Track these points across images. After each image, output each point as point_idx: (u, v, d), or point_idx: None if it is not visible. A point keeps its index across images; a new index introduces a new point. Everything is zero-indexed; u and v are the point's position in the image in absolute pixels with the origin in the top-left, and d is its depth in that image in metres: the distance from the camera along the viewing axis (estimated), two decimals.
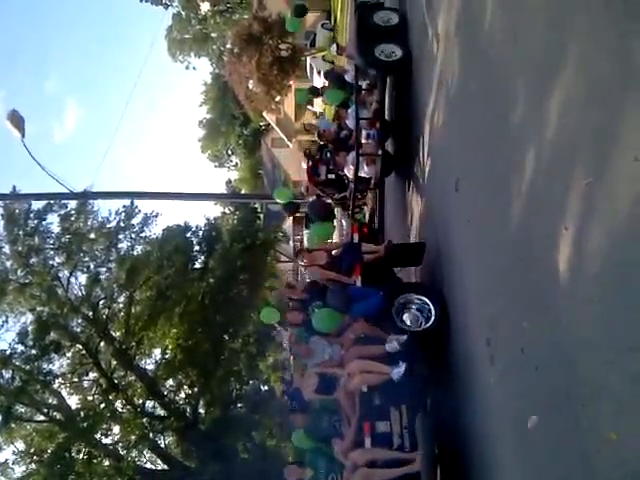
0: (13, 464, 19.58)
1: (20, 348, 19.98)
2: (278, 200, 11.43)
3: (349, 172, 9.69)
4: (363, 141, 9.48)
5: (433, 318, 6.64)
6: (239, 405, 21.79)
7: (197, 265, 22.76)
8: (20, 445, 19.72)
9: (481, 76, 5.58)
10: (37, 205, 21.24)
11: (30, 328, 20.36)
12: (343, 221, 10.14)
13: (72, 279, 21.47)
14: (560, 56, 3.81)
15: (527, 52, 4.41)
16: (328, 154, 10.50)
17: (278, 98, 27.89)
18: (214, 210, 49.04)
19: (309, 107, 36.95)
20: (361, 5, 10.62)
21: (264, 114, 33.81)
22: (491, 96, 5.24)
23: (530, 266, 4.15)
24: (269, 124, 40.51)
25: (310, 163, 10.83)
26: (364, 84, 10.11)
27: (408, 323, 6.77)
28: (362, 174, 9.65)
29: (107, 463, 19.45)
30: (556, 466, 3.70)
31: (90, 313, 20.88)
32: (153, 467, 20.85)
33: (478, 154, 5.65)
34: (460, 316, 6.20)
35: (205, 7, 46.00)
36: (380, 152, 9.48)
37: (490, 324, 5.02)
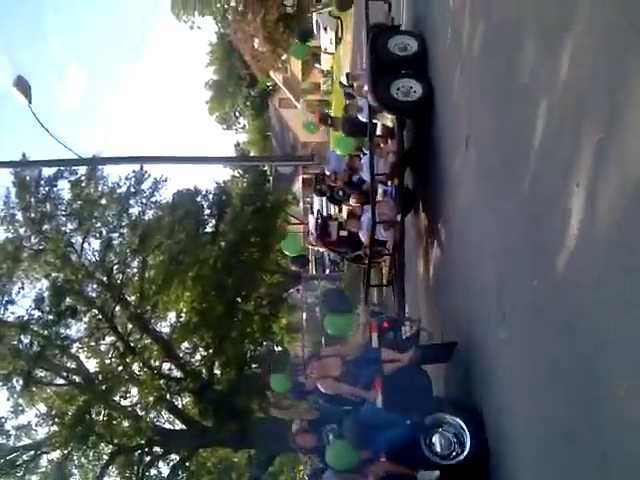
0: (36, 426, 20.19)
1: (37, 314, 20.33)
2: (289, 252, 10.49)
3: (363, 237, 8.72)
4: (379, 198, 8.43)
5: (469, 444, 5.44)
6: (254, 366, 22.12)
7: (208, 229, 22.87)
8: (41, 408, 20.29)
9: (490, 31, 5.44)
10: (47, 172, 21.32)
11: (46, 294, 20.67)
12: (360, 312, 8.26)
13: (85, 245, 21.67)
14: (570, 8, 3.69)
15: (537, 4, 4.28)
16: (340, 193, 9.53)
17: (284, 57, 27.52)
18: (223, 174, 49.06)
19: (316, 65, 36.47)
20: (374, 28, 9.16)
21: (271, 74, 33.42)
22: (501, 51, 5.11)
23: (541, 224, 4.10)
24: (276, 84, 40.03)
25: (319, 220, 9.79)
26: (379, 126, 8.92)
27: (438, 449, 5.56)
28: (378, 237, 8.56)
29: (126, 424, 19.94)
30: (563, 417, 3.73)
31: (104, 278, 21.13)
32: (171, 427, 21.37)
33: (488, 111, 5.54)
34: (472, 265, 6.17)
35: None
36: (399, 217, 8.27)
37: (499, 282, 4.99)
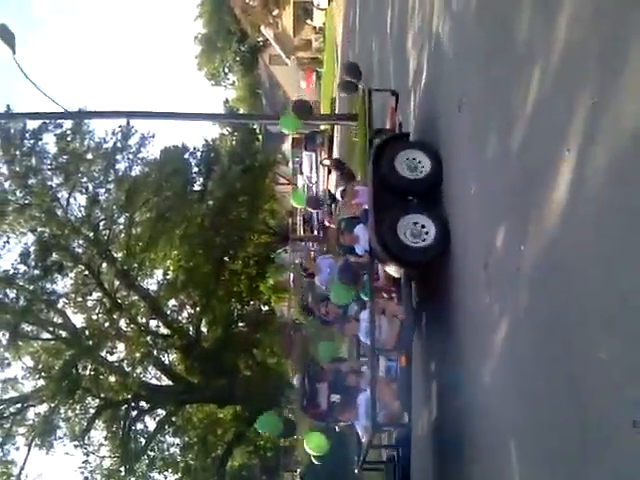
0: (22, 379, 20.33)
1: (23, 268, 20.25)
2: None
3: (362, 434, 6.83)
4: (381, 374, 6.67)
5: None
6: (240, 324, 22.35)
7: (196, 187, 22.73)
8: (28, 361, 20.41)
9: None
10: (32, 125, 20.93)
11: (32, 249, 20.55)
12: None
13: (71, 200, 21.51)
14: None
15: None
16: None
17: (276, 11, 26.90)
18: (212, 131, 48.41)
19: (308, 21, 35.71)
20: (379, 133, 7.79)
21: (261, 29, 32.69)
22: (496, 14, 5.01)
23: (530, 188, 4.09)
24: (267, 39, 39.21)
25: (307, 390, 7.02)
26: (380, 271, 7.21)
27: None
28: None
29: (113, 379, 20.16)
30: (548, 390, 3.79)
31: (91, 234, 21.03)
32: (158, 383, 21.63)
33: (481, 74, 5.46)
34: (460, 241, 6.20)
35: None
36: (405, 418, 6.41)
37: (487, 248, 5.01)
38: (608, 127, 3.11)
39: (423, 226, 6.33)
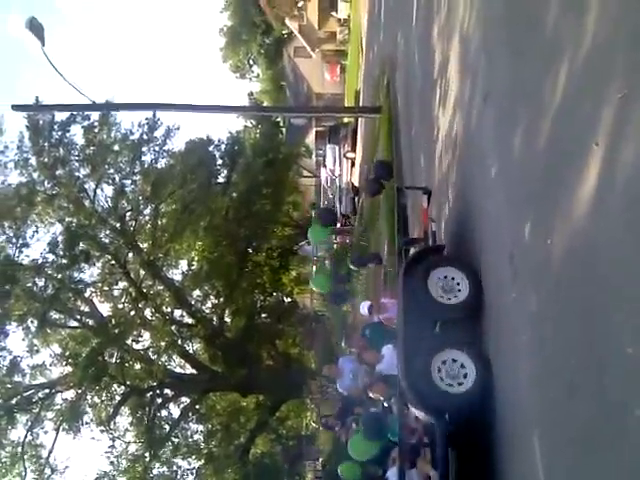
0: (50, 366, 20.79)
1: (51, 257, 20.62)
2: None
3: None
4: None
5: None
6: (263, 315, 22.50)
7: (220, 179, 22.90)
8: (56, 348, 20.87)
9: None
10: (60, 117, 21.25)
11: (60, 238, 20.91)
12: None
13: (98, 191, 21.83)
14: None
15: None
16: None
17: (301, 3, 26.87)
18: (236, 123, 48.55)
19: (333, 14, 35.58)
20: (408, 244, 7.25)
21: (286, 21, 32.67)
22: (525, 6, 4.96)
23: (558, 183, 4.07)
24: (291, 32, 39.16)
25: None
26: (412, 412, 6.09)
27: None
28: None
29: (138, 367, 20.50)
30: (570, 374, 3.82)
31: (117, 225, 21.34)
32: (182, 371, 21.95)
33: (509, 66, 5.43)
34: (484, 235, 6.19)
35: None
36: None
37: (513, 239, 5.01)
38: (637, 120, 3.09)
39: (462, 365, 5.27)
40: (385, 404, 7.47)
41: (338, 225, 26.60)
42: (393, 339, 6.25)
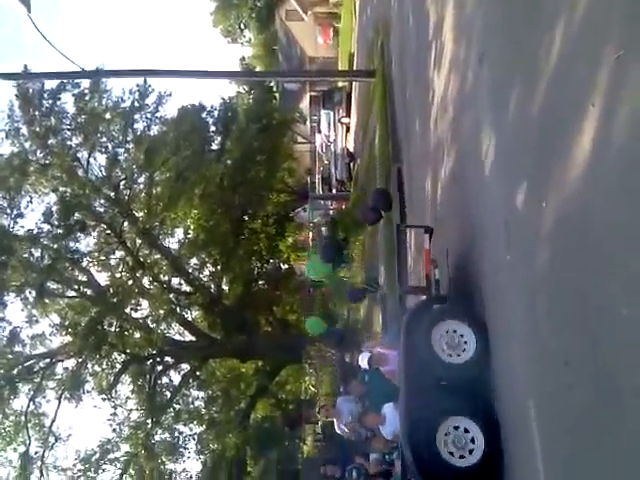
0: (50, 335, 20.94)
1: (46, 227, 20.56)
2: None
3: None
4: None
5: None
6: (260, 282, 22.59)
7: (214, 146, 22.71)
8: (55, 318, 20.98)
9: None
10: (50, 85, 20.93)
11: (54, 208, 20.82)
12: None
13: (91, 160, 21.67)
14: None
15: None
16: None
17: None
18: (229, 89, 47.89)
19: None
20: (407, 292, 6.97)
21: None
22: None
23: (554, 144, 4.06)
24: None
25: None
26: None
27: None
28: None
29: (138, 335, 20.67)
30: (563, 349, 3.86)
31: (112, 194, 21.24)
32: (182, 339, 22.15)
33: (504, 27, 5.35)
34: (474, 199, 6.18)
35: None
36: None
37: (507, 205, 5.00)
38: (633, 82, 3.07)
39: (466, 430, 4.86)
40: (386, 457, 7.38)
41: (334, 191, 26.57)
42: (394, 395, 5.92)
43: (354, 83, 23.58)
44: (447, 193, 8.16)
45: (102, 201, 21.64)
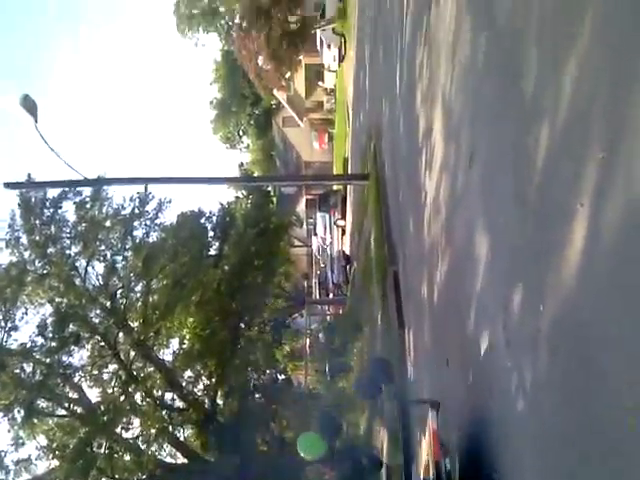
0: (36, 460, 19.71)
1: (40, 341, 20.05)
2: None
3: None
4: None
5: None
6: (257, 395, 21.73)
7: (212, 252, 22.70)
8: (42, 440, 19.86)
9: (493, 46, 5.33)
10: (52, 193, 21.18)
11: (49, 320, 20.43)
12: None
13: (89, 268, 21.49)
14: (575, 22, 3.61)
15: (540, 21, 4.22)
16: None
17: (288, 74, 27.51)
18: (227, 194, 48.91)
19: (319, 84, 36.47)
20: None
21: (274, 92, 33.44)
22: (503, 67, 5.02)
23: (544, 247, 3.99)
24: (280, 102, 40.13)
25: None
26: None
27: None
28: None
29: (128, 458, 19.55)
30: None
31: (108, 303, 20.91)
32: (173, 461, 20.93)
33: (491, 127, 5.39)
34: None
35: None
36: None
37: (505, 306, 4.77)
38: (619, 182, 3.03)
39: None
40: None
41: (331, 295, 26.21)
42: None
43: (349, 186, 23.91)
44: (443, 297, 7.91)
45: (98, 311, 21.25)
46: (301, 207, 33.42)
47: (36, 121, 12.85)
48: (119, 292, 21.68)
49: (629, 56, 3.00)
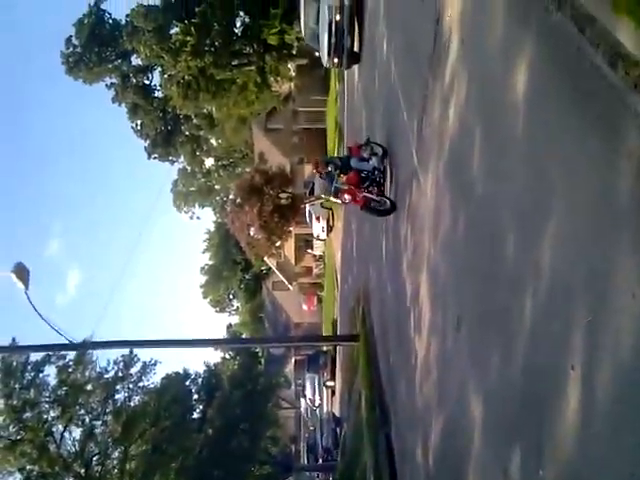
0: None
1: None
2: None
3: None
4: None
5: None
6: None
7: (195, 415, 22.05)
8: None
9: (472, 223, 5.73)
10: (36, 357, 20.95)
11: None
12: None
13: (66, 434, 20.69)
14: (548, 194, 3.92)
15: (514, 199, 4.56)
16: None
17: (278, 243, 28.83)
18: (214, 355, 48.32)
19: (308, 251, 37.99)
20: None
21: (265, 259, 34.62)
22: (484, 239, 5.31)
23: (539, 409, 3.96)
24: (270, 268, 41.25)
25: None
26: None
27: None
28: None
29: None
30: None
31: (82, 470, 19.82)
32: None
33: (475, 293, 5.63)
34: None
35: (209, 162, 48.93)
36: None
37: (504, 470, 4.68)
38: (607, 344, 3.12)
39: None
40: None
41: (320, 461, 25.00)
42: None
43: (338, 347, 23.97)
44: (440, 462, 7.68)
45: None
46: (290, 368, 32.96)
47: (27, 288, 13.14)
48: (95, 458, 20.68)
49: (603, 225, 3.21)
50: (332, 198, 11.25)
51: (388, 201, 10.41)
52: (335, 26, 16.14)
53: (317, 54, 19.46)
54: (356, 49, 17.03)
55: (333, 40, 16.36)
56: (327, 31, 16.38)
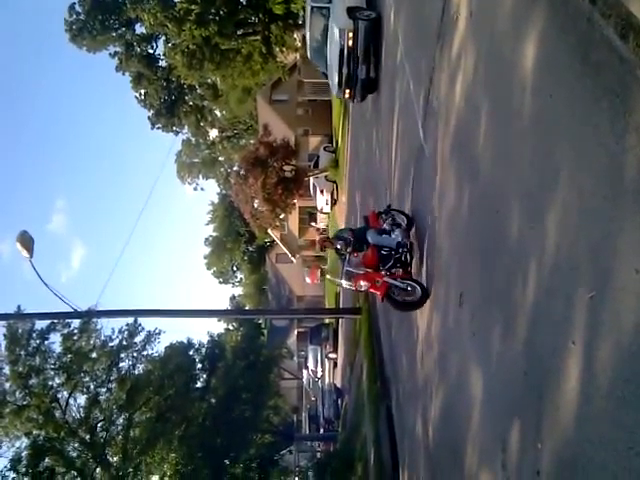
0: None
1: (12, 476, 19.03)
2: None
3: None
4: None
5: None
6: None
7: (199, 384, 22.30)
8: None
9: (478, 199, 5.69)
10: (41, 324, 21.14)
11: (24, 453, 19.53)
12: None
13: (71, 400, 20.95)
14: (551, 175, 3.90)
15: (520, 175, 4.55)
16: None
17: (282, 215, 28.82)
18: (218, 326, 48.76)
19: (312, 224, 37.99)
20: None
21: (269, 231, 34.66)
22: (489, 216, 5.29)
23: (542, 384, 4.01)
24: (273, 240, 41.33)
25: None
26: None
27: None
28: None
29: None
30: None
31: (87, 436, 20.14)
32: None
33: (479, 269, 5.61)
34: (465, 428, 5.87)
35: (213, 133, 48.64)
36: None
37: (503, 444, 4.73)
38: (609, 320, 3.13)
39: None
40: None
41: (321, 431, 25.37)
42: None
43: (340, 320, 24.13)
44: (439, 435, 7.78)
45: (76, 445, 20.39)
46: (292, 339, 33.30)
47: (31, 256, 13.16)
48: (100, 425, 20.99)
49: (606, 204, 3.20)
50: (344, 283, 8.69)
51: (418, 286, 8.15)
52: (347, 54, 13.41)
53: (322, 71, 16.67)
54: (372, 74, 13.91)
55: (345, 70, 13.76)
56: (337, 58, 13.77)
